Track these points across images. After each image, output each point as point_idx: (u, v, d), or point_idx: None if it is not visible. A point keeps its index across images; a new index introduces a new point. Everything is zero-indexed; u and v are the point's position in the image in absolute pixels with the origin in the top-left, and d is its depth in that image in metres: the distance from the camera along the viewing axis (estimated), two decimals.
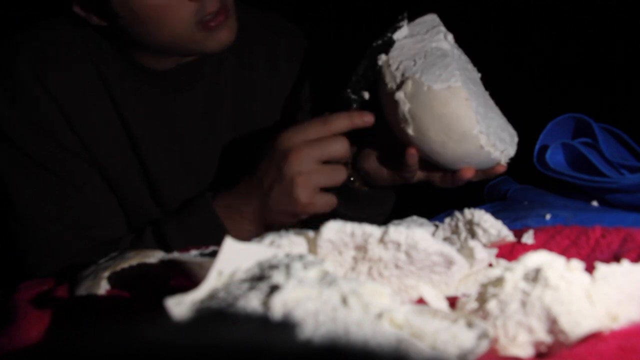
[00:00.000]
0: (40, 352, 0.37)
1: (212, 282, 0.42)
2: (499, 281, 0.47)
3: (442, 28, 0.79)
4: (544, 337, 0.44)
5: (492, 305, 0.46)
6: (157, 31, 0.84)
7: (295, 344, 0.34)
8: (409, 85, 0.73)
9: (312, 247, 0.50)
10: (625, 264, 0.46)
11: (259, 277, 0.42)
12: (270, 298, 0.38)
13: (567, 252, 0.64)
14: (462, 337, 0.41)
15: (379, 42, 0.79)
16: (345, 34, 1.75)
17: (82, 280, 0.58)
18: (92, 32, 0.93)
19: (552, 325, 0.43)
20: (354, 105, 0.81)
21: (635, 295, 0.45)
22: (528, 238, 0.66)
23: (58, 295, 0.59)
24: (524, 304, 0.44)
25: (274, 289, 0.39)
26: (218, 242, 0.45)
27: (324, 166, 0.79)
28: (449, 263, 0.50)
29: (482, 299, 0.47)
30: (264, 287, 0.40)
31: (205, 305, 0.39)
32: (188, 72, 0.97)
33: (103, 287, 0.57)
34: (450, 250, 0.49)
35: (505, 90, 0.83)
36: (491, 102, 0.79)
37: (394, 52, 0.77)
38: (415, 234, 0.47)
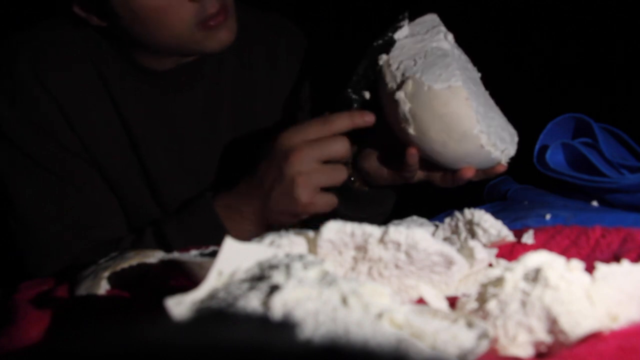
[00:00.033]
0: (40, 352, 0.37)
1: (212, 282, 0.42)
2: (499, 281, 0.47)
3: (443, 28, 0.79)
4: (544, 337, 0.44)
5: (492, 305, 0.46)
6: (157, 31, 0.85)
7: (295, 344, 0.34)
8: (409, 85, 0.73)
9: (312, 247, 0.50)
10: (625, 264, 0.46)
11: (259, 277, 0.42)
12: (270, 298, 0.38)
13: (567, 252, 0.64)
14: (462, 337, 0.41)
15: (380, 41, 0.79)
16: (345, 34, 1.75)
17: (82, 280, 0.59)
18: (92, 32, 0.93)
19: (552, 325, 0.43)
20: (355, 105, 0.81)
21: (635, 295, 0.45)
22: (528, 238, 0.66)
23: (58, 295, 0.59)
24: (524, 304, 0.44)
25: (274, 289, 0.39)
26: (218, 242, 0.45)
27: (325, 166, 0.79)
28: (449, 263, 0.50)
29: (482, 299, 0.47)
30: (264, 287, 0.40)
31: (205, 305, 0.39)
32: (188, 72, 0.97)
33: (103, 287, 0.57)
34: (450, 250, 0.49)
35: (505, 90, 0.83)
36: (491, 102, 0.79)
37: (394, 51, 0.77)
38: (415, 234, 0.47)
